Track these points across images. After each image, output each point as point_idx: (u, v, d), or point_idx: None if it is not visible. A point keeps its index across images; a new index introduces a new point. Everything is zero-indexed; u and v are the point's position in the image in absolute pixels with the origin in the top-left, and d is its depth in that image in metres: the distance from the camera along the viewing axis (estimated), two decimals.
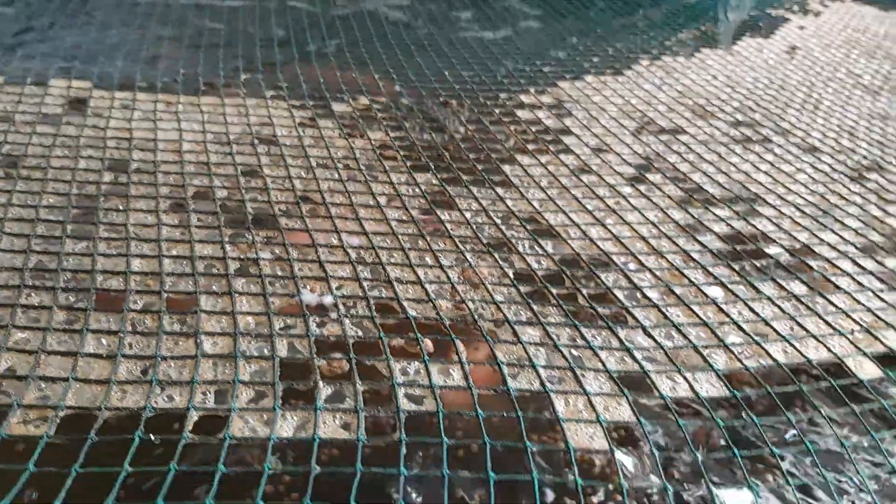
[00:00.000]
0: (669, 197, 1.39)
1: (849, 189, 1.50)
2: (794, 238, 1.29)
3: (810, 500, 0.77)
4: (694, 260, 1.19)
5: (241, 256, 1.09)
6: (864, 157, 1.66)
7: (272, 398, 0.84)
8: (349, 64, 1.88)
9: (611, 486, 0.76)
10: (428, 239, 1.18)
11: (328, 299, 1.02)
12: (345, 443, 0.78)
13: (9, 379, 0.83)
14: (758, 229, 1.31)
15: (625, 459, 0.80)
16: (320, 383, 0.87)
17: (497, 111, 1.69)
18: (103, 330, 0.92)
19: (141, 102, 1.56)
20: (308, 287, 1.04)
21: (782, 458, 0.81)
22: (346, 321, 0.98)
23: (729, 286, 1.13)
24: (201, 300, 0.99)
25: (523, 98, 1.79)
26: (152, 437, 0.77)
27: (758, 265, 1.20)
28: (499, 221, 1.25)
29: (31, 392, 0.81)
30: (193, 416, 0.80)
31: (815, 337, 1.04)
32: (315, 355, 0.91)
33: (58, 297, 0.97)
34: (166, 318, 0.95)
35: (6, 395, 0.81)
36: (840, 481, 0.80)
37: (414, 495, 0.73)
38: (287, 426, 0.80)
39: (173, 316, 0.95)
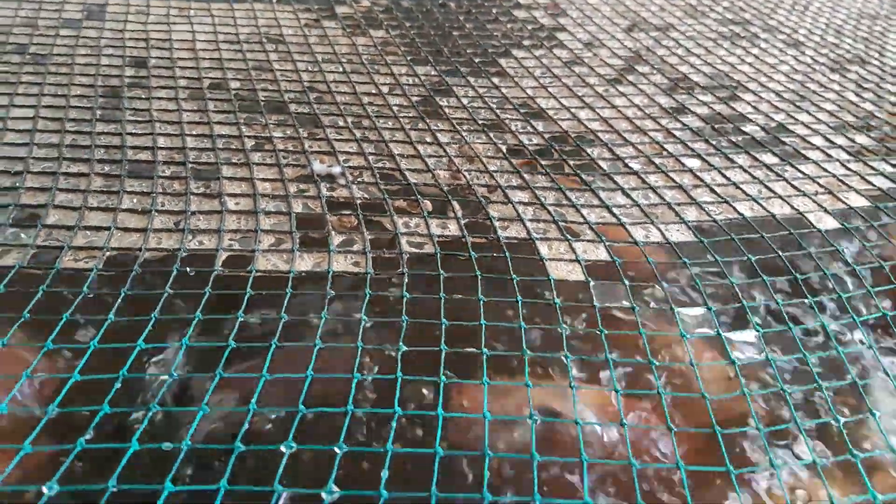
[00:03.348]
0: (656, 85, 1.47)
1: (828, 78, 1.57)
2: (771, 118, 1.38)
3: (750, 304, 0.89)
4: (674, 136, 1.29)
5: (256, 135, 1.19)
6: (848, 52, 1.73)
7: (290, 243, 0.95)
8: None
9: (585, 308, 0.88)
10: (427, 121, 1.28)
11: (337, 169, 1.12)
12: (355, 275, 0.90)
13: (57, 229, 0.94)
14: (737, 111, 1.39)
15: (599, 287, 0.91)
16: (333, 233, 0.98)
17: (494, 11, 1.77)
18: (137, 192, 1.03)
19: (154, 8, 1.64)
20: (318, 159, 1.14)
21: (736, 285, 0.92)
22: (354, 186, 1.08)
23: (705, 157, 1.23)
24: (222, 169, 1.09)
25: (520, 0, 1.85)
26: (188, 270, 0.88)
27: (734, 140, 1.29)
28: (494, 106, 1.34)
29: (79, 238, 0.93)
30: (223, 256, 0.92)
31: (780, 197, 1.14)
32: (327, 212, 1.02)
33: (94, 166, 1.07)
34: (192, 183, 1.06)
35: (57, 240, 0.92)
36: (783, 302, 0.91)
37: (415, 313, 0.84)
38: (304, 263, 0.92)
39: (198, 181, 1.06)
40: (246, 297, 0.84)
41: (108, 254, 0.90)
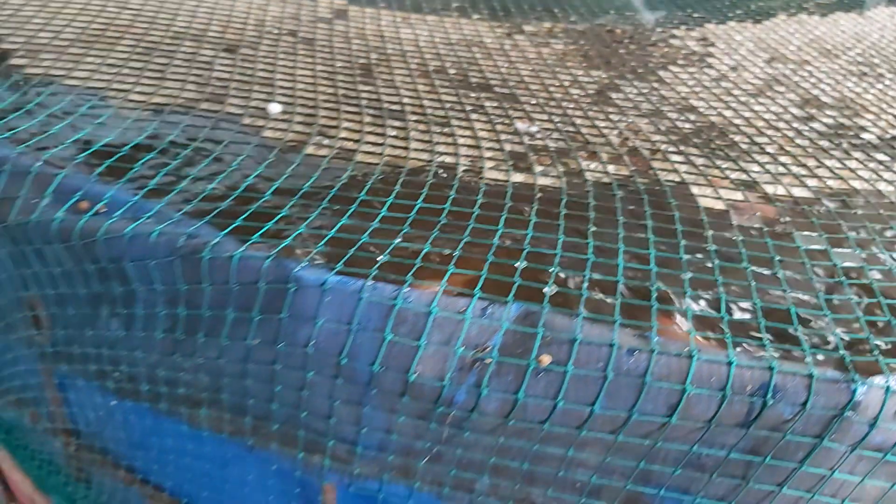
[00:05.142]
0: (790, 100, 1.78)
1: None
2: (885, 131, 1.65)
3: None
4: (803, 135, 1.59)
5: (472, 103, 1.59)
6: None
7: (506, 166, 1.32)
8: (533, 4, 2.37)
9: (725, 225, 1.19)
10: (601, 105, 1.64)
11: (534, 129, 1.50)
12: (554, 187, 1.26)
13: (347, 141, 1.36)
14: (858, 125, 1.67)
15: (735, 214, 1.23)
16: (534, 165, 1.34)
17: (653, 38, 2.12)
18: (397, 127, 1.44)
19: (384, 16, 2.11)
20: (520, 121, 1.52)
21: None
22: (548, 140, 1.45)
23: (828, 150, 1.52)
24: (451, 121, 1.49)
25: (675, 32, 2.20)
26: (440, 171, 1.27)
27: (852, 142, 1.57)
28: (654, 101, 1.69)
29: (363, 147, 1.34)
30: (461, 168, 1.30)
31: (887, 181, 1.41)
32: (529, 153, 1.39)
33: (363, 111, 1.50)
34: (433, 127, 1.46)
35: (349, 147, 1.34)
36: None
37: (598, 213, 1.19)
38: (517, 178, 1.28)
39: (436, 126, 1.46)
40: (481, 191, 1.22)
41: (385, 158, 1.31)
